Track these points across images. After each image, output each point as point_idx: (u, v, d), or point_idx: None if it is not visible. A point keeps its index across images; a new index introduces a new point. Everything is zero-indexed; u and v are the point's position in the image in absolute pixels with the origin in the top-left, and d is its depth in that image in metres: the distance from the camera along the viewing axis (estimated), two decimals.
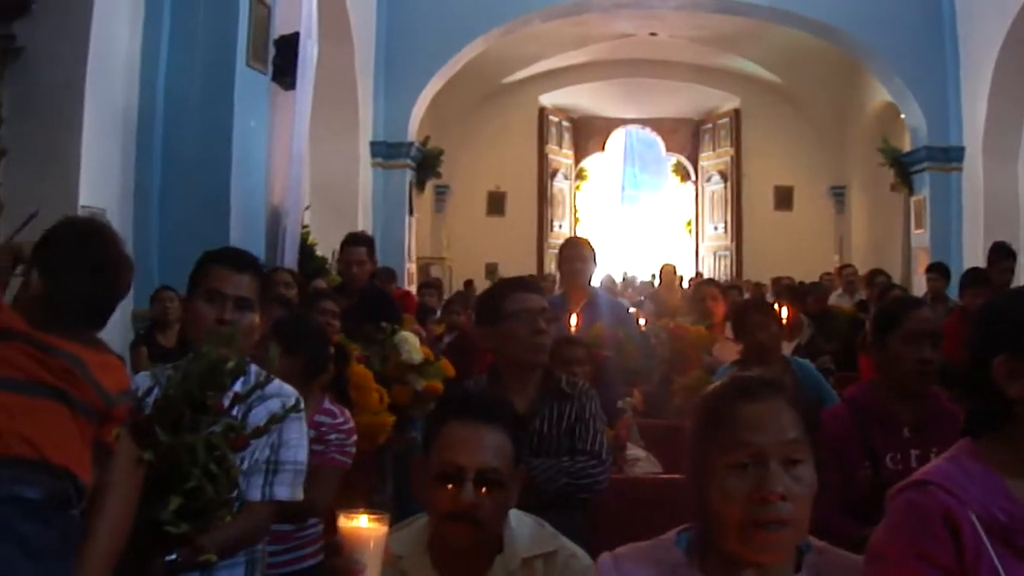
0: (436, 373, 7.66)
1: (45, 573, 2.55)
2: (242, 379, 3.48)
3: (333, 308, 7.29)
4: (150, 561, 3.17)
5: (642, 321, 10.54)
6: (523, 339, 4.69)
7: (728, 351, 8.03)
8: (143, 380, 3.65)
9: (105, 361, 2.95)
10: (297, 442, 3.87)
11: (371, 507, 2.74)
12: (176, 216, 9.35)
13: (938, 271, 12.51)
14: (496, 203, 27.62)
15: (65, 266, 2.96)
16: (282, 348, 4.32)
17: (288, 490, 3.84)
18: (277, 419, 3.48)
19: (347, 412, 5.30)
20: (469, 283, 21.74)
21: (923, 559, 2.28)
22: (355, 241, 9.01)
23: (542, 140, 27.73)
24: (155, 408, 3.22)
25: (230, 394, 3.38)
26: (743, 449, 2.43)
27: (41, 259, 3.00)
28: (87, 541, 2.78)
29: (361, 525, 2.66)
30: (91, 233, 3.10)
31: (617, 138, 30.43)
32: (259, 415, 3.47)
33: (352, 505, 2.74)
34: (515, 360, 4.78)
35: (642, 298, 18.26)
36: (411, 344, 7.51)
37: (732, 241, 27.64)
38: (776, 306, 8.31)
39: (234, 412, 3.37)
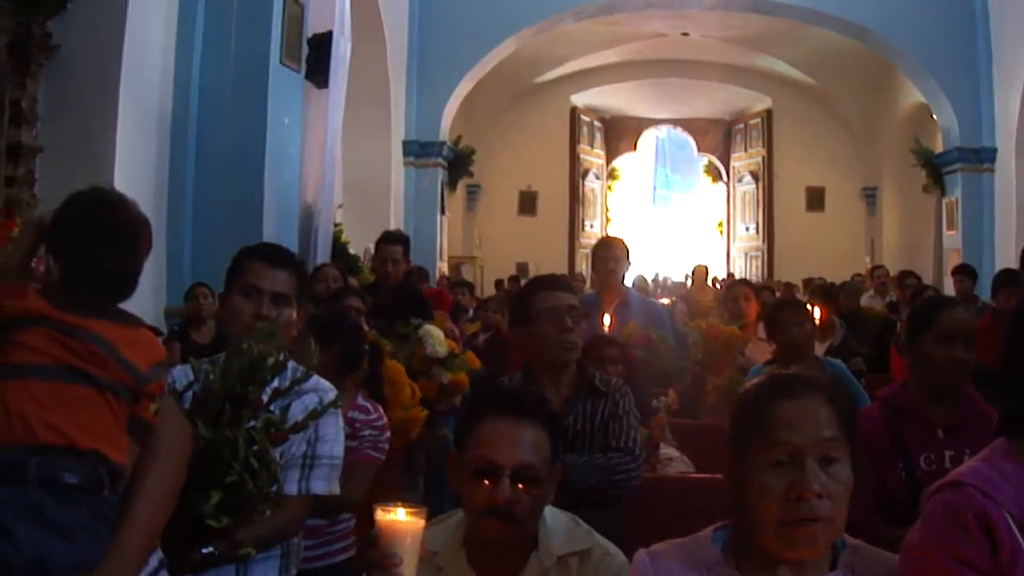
0: (461, 366, 7.68)
1: (79, 551, 2.56)
2: (280, 374, 3.50)
3: (359, 305, 7.29)
4: (186, 554, 3.19)
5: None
6: (551, 337, 4.70)
7: (761, 351, 8.01)
8: (181, 374, 3.67)
9: (133, 336, 2.89)
10: (333, 437, 3.88)
11: (404, 500, 2.74)
12: (209, 213, 9.40)
13: (965, 273, 12.46)
14: (527, 203, 27.66)
15: (75, 239, 2.90)
16: (316, 343, 4.32)
17: (324, 484, 3.84)
18: (316, 414, 3.50)
19: (380, 408, 5.32)
20: (500, 284, 21.71)
21: (959, 560, 2.27)
22: (391, 239, 9.08)
23: (574, 140, 27.78)
24: (195, 402, 3.25)
25: (268, 389, 3.39)
26: (780, 447, 2.43)
27: (54, 239, 2.94)
28: (125, 518, 2.75)
29: (398, 518, 2.66)
30: (96, 202, 2.98)
31: (649, 138, 30.48)
32: (295, 410, 3.48)
33: (385, 501, 2.74)
34: (545, 358, 4.79)
35: (674, 299, 18.22)
36: (435, 337, 7.52)
37: (763, 242, 27.59)
38: (809, 306, 8.29)
39: (272, 407, 3.39)
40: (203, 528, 3.16)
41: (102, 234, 2.89)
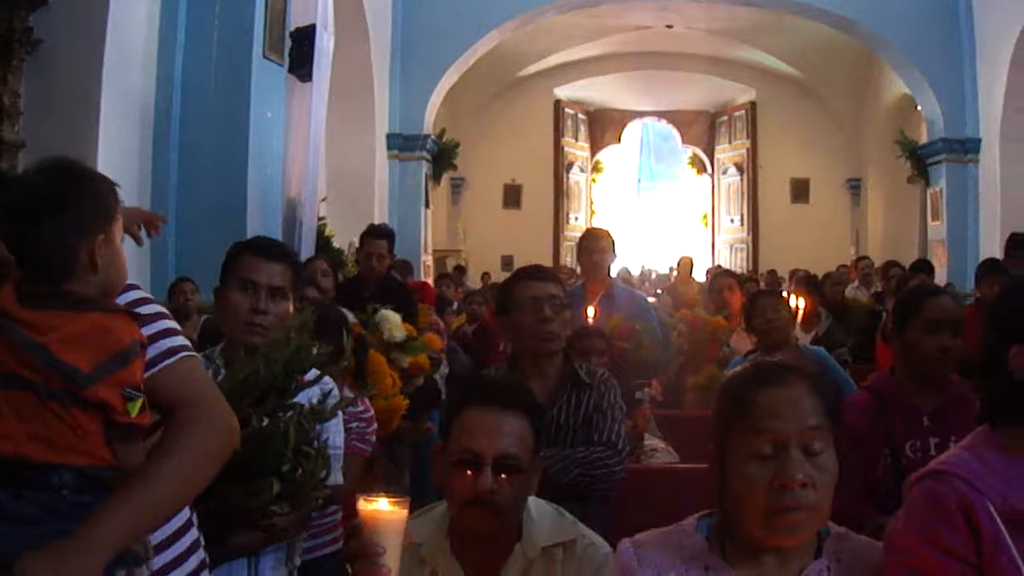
0: (420, 348, 7.61)
1: (25, 539, 2.50)
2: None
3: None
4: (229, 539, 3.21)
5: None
6: (529, 327, 4.70)
7: (745, 342, 8.03)
8: None
9: (81, 328, 2.60)
10: (335, 428, 3.94)
11: (388, 493, 2.74)
12: (193, 208, 9.35)
13: (921, 268, 12.58)
14: (512, 196, 27.64)
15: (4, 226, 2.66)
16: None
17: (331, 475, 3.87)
18: (343, 404, 3.65)
19: (367, 401, 5.32)
20: (486, 276, 21.74)
21: (941, 550, 2.28)
22: (376, 234, 9.10)
23: (558, 132, 27.74)
24: (232, 393, 3.18)
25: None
26: (763, 436, 2.43)
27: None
28: (106, 502, 2.62)
29: (381, 508, 2.67)
30: (16, 178, 2.85)
31: (633, 130, 30.41)
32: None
33: (369, 492, 2.74)
34: (526, 349, 4.80)
35: (659, 291, 18.22)
36: (392, 322, 7.45)
37: (748, 234, 27.61)
38: (794, 297, 8.31)
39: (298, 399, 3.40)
40: (239, 515, 3.22)
41: (9, 216, 2.65)
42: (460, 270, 20.50)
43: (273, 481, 3.18)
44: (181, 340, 2.87)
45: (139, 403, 2.62)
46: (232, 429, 2.83)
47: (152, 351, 2.76)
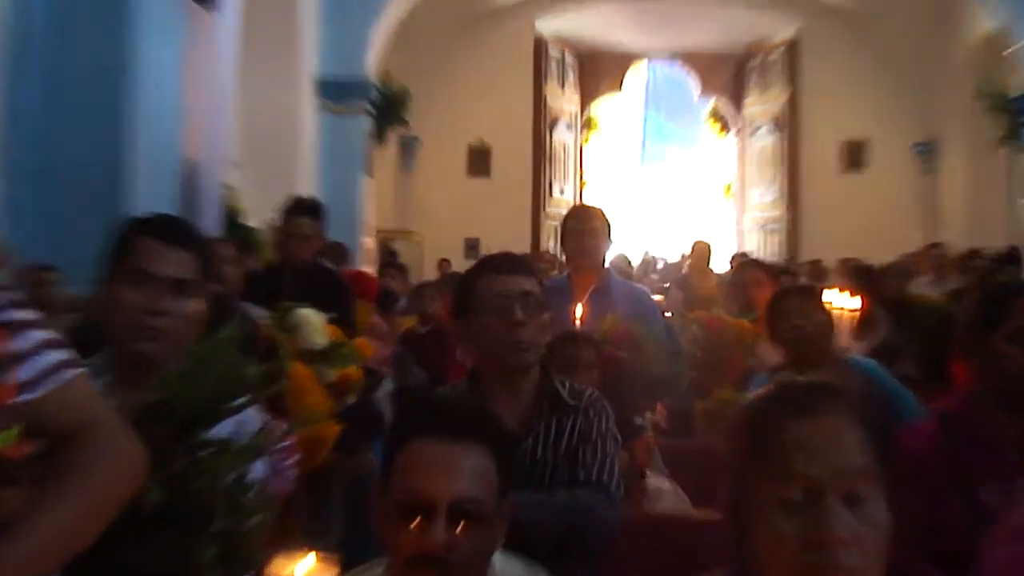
0: (348, 357, 7.54)
1: None
2: None
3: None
4: None
5: (667, 314, 10.48)
6: (495, 334, 4.64)
7: (775, 353, 8.02)
8: None
9: None
10: (258, 463, 3.90)
11: (314, 547, 2.74)
12: (59, 173, 9.23)
13: (1010, 259, 12.57)
14: (479, 160, 27.62)
15: None
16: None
17: None
18: (267, 438, 3.57)
19: (285, 425, 5.29)
20: (444, 263, 21.77)
21: None
22: (299, 210, 9.04)
23: (539, 79, 27.73)
24: (141, 423, 3.14)
25: None
26: (794, 480, 2.40)
27: None
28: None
29: (302, 568, 2.66)
30: None
31: (637, 76, 30.39)
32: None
33: (288, 547, 2.74)
34: (491, 361, 4.75)
35: (667, 285, 18.21)
36: (312, 325, 7.39)
37: (786, 211, 27.62)
38: (844, 294, 8.29)
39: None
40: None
41: None
42: (392, 255, 20.38)
43: (207, 541, 3.12)
44: (66, 354, 2.81)
45: (11, 433, 2.57)
46: (140, 463, 2.84)
47: (30, 370, 2.70)
